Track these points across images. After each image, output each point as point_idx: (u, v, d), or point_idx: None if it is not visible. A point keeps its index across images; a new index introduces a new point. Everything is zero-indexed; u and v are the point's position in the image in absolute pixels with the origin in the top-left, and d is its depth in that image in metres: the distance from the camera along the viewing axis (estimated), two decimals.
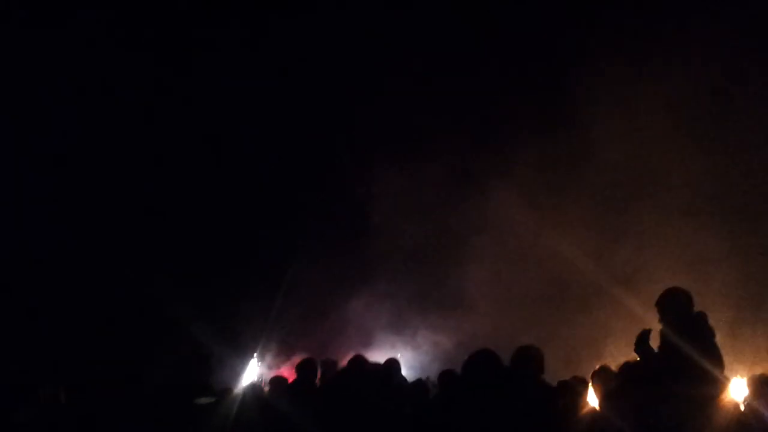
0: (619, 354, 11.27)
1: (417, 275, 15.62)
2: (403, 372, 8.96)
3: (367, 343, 15.02)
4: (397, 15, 15.41)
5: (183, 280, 14.48)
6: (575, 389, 6.19)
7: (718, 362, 5.41)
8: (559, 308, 14.34)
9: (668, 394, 5.27)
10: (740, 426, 5.39)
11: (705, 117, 13.52)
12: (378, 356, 11.19)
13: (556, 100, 14.73)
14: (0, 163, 13.91)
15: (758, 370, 7.00)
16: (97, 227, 14.80)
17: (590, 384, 6.23)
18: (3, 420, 6.53)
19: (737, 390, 6.47)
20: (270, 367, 15.20)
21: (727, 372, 5.50)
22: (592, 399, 6.17)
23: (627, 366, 5.86)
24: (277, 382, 7.62)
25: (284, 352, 15.69)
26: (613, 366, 6.32)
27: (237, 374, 14.47)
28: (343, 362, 7.71)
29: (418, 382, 8.14)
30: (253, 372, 14.83)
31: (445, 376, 6.74)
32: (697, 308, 5.71)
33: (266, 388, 8.21)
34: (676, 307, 5.64)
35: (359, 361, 6.97)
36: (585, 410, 5.95)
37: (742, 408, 5.87)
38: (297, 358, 9.86)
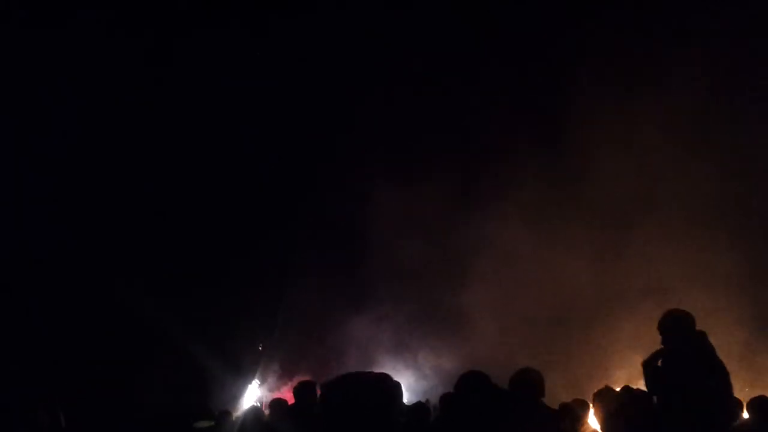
0: (621, 376, 11.25)
1: (417, 296, 15.55)
2: (405, 395, 8.90)
3: (368, 365, 14.90)
4: (397, 15, 15.41)
5: (183, 303, 14.45)
6: (576, 412, 6.16)
7: (726, 380, 5.39)
8: (561, 330, 14.24)
9: (671, 416, 5.25)
10: None
11: (709, 131, 13.45)
12: None
13: (557, 117, 14.74)
14: (0, 163, 13.96)
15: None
16: (97, 227, 14.83)
17: (591, 406, 6.19)
18: None
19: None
20: (270, 390, 15.10)
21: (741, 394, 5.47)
22: (593, 422, 6.13)
23: (628, 388, 5.83)
24: (278, 404, 7.58)
25: (285, 374, 15.59)
26: (616, 387, 6.29)
27: (237, 397, 14.40)
28: None
29: (419, 405, 8.08)
30: (253, 395, 14.75)
31: (447, 398, 6.69)
32: (705, 328, 5.71)
33: (266, 411, 8.17)
34: (678, 330, 5.64)
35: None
36: None
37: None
38: (297, 381, 9.80)
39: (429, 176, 15.12)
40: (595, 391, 6.27)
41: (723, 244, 13.02)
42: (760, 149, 13.13)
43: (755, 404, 6.46)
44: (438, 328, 15.44)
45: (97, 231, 14.88)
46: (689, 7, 13.85)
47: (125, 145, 15.23)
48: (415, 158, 15.71)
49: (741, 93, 13.74)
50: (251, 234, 16.03)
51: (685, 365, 5.44)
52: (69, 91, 14.42)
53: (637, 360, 5.80)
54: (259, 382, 15.26)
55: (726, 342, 5.79)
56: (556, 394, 7.63)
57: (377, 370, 14.22)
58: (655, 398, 5.59)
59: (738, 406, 6.26)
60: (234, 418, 8.43)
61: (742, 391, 5.79)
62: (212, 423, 7.39)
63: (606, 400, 6.08)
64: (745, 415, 6.48)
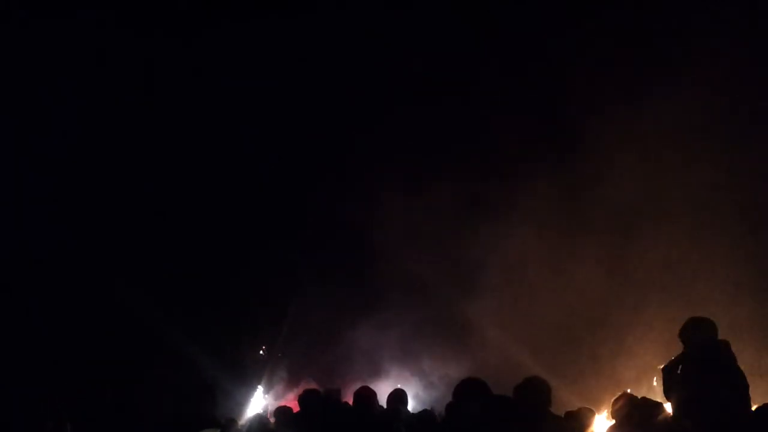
0: (630, 384, 11.16)
1: (425, 304, 15.50)
2: (411, 403, 8.87)
3: (374, 373, 14.87)
4: (411, 19, 15.41)
5: (187, 310, 14.44)
6: (582, 420, 6.13)
7: (744, 392, 5.37)
8: (569, 338, 14.18)
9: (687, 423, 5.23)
10: None
11: (720, 137, 13.37)
12: (385, 386, 11.09)
13: (567, 125, 14.72)
14: (0, 163, 13.99)
15: None
16: (98, 228, 14.85)
17: (596, 415, 6.17)
18: None
19: None
20: (276, 398, 15.05)
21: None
22: (599, 430, 6.11)
23: (629, 395, 5.81)
24: (283, 412, 7.56)
25: (290, 382, 15.55)
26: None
27: (242, 405, 14.35)
28: (348, 391, 7.65)
29: (425, 413, 8.07)
30: (258, 402, 14.71)
31: (451, 406, 6.68)
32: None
33: (272, 419, 8.15)
34: (700, 336, 5.62)
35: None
36: None
37: None
38: (302, 388, 9.79)
39: (437, 184, 15.11)
40: (615, 397, 6.26)
41: (735, 252, 12.96)
42: None
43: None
44: (445, 336, 15.38)
45: (97, 231, 14.92)
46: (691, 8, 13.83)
47: (126, 145, 15.26)
48: (423, 166, 15.70)
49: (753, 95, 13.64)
50: (257, 240, 16.03)
51: (704, 373, 5.41)
52: (69, 91, 14.45)
53: (646, 369, 5.79)
54: (264, 390, 15.21)
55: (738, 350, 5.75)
56: (564, 403, 7.61)
57: (384, 378, 14.25)
58: (669, 405, 5.56)
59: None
60: (239, 426, 8.42)
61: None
62: (218, 431, 7.38)
63: (618, 406, 6.07)
64: None
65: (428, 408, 10.06)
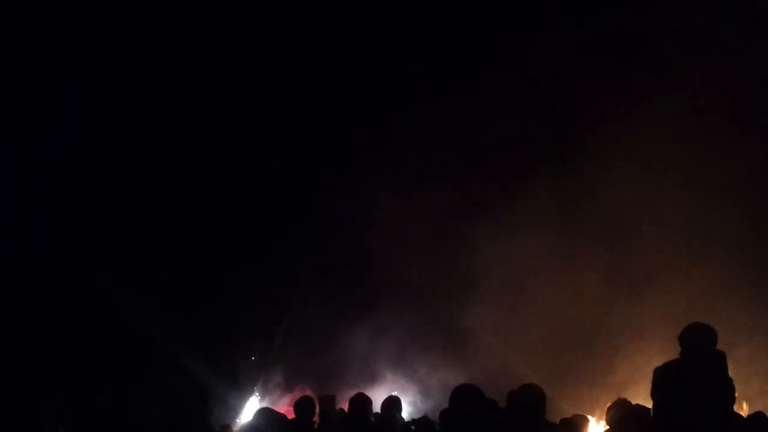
0: (626, 391, 11.12)
1: (421, 310, 15.46)
2: (406, 410, 8.86)
3: (370, 379, 14.84)
4: (398, 16, 15.38)
5: (181, 317, 14.44)
6: (577, 427, 6.11)
7: (728, 402, 5.34)
8: (566, 345, 14.14)
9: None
10: None
11: (720, 144, 13.32)
12: (380, 393, 11.06)
13: (566, 130, 14.68)
14: (0, 163, 13.99)
15: None
16: (98, 228, 14.85)
17: (590, 421, 6.15)
18: None
19: None
20: (270, 404, 15.00)
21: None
22: None
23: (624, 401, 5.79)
24: (277, 419, 7.51)
25: (285, 388, 15.52)
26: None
27: (236, 411, 14.34)
28: (343, 398, 7.63)
29: (423, 420, 8.07)
30: (253, 409, 14.65)
31: (445, 413, 6.66)
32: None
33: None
34: (699, 343, 5.58)
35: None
36: None
37: None
38: (297, 394, 9.76)
39: (434, 189, 15.07)
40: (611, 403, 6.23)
41: (734, 258, 12.92)
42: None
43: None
44: (442, 343, 15.33)
45: (97, 231, 14.92)
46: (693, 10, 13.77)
47: (126, 145, 15.27)
48: (420, 171, 15.66)
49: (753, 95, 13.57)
50: (253, 244, 16.01)
51: (690, 381, 5.37)
52: (69, 91, 14.47)
53: (642, 375, 5.76)
54: (259, 396, 15.19)
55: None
56: (559, 409, 7.59)
57: (379, 384, 14.21)
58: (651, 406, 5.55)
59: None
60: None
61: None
62: None
63: (613, 413, 6.05)
64: None
65: (424, 415, 10.04)
